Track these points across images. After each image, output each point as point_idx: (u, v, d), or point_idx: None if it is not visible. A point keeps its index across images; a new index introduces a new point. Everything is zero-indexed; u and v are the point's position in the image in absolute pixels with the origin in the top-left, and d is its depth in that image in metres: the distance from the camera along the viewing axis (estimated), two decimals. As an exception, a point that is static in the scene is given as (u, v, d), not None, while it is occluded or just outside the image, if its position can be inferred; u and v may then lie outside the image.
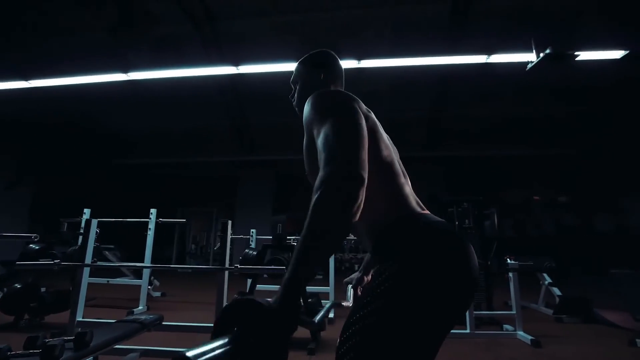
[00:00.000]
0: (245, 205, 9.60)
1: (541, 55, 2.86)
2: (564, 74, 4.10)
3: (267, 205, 9.56)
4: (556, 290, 3.75)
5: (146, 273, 3.92)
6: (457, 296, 0.67)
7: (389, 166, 0.83)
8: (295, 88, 1.06)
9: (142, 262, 3.92)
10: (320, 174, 0.63)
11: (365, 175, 0.64)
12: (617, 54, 3.26)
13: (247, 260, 2.88)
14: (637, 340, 2.77)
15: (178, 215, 9.62)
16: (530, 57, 3.07)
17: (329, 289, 3.87)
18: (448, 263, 0.67)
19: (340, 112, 0.75)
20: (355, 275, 1.16)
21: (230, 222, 2.26)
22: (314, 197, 0.60)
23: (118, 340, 1.64)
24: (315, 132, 0.75)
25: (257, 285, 3.03)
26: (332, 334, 2.95)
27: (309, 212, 0.58)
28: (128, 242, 5.44)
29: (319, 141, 0.70)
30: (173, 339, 2.49)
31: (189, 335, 2.58)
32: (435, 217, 0.78)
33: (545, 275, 3.98)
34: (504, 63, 3.50)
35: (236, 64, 3.84)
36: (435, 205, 3.74)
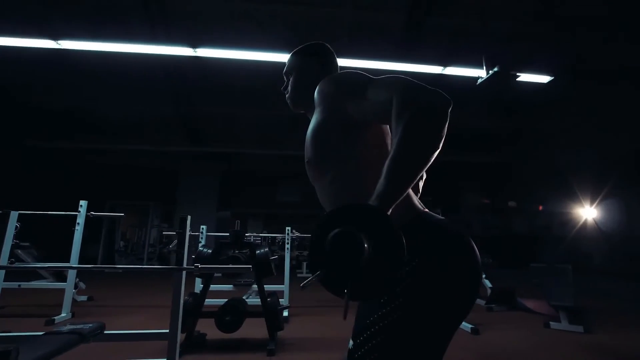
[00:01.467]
0: (187, 200, 8.97)
1: (490, 72, 3.19)
2: (502, 90, 4.63)
3: (212, 200, 9.06)
4: (487, 283, 4.22)
5: (72, 275, 3.40)
6: (471, 291, 0.70)
7: None
8: (288, 79, 1.02)
9: (66, 261, 3.39)
10: (399, 96, 0.62)
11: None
12: (544, 79, 3.80)
13: (202, 259, 2.67)
14: (550, 322, 3.24)
15: (106, 209, 8.57)
16: (480, 73, 3.41)
17: (284, 287, 3.81)
18: (464, 261, 0.70)
19: (370, 77, 0.76)
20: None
21: (189, 218, 2.06)
22: (406, 114, 0.59)
23: (53, 356, 1.37)
24: (352, 92, 0.75)
25: (211, 286, 2.83)
26: (290, 333, 2.90)
27: (402, 126, 0.58)
28: (45, 239, 4.68)
29: (374, 89, 0.71)
30: (110, 351, 2.19)
31: (133, 346, 2.30)
32: (437, 215, 0.80)
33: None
34: (455, 75, 3.80)
35: (192, 45, 3.52)
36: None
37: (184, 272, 1.99)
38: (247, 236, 2.98)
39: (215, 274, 3.46)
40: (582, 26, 4.85)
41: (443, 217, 0.78)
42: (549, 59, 4.21)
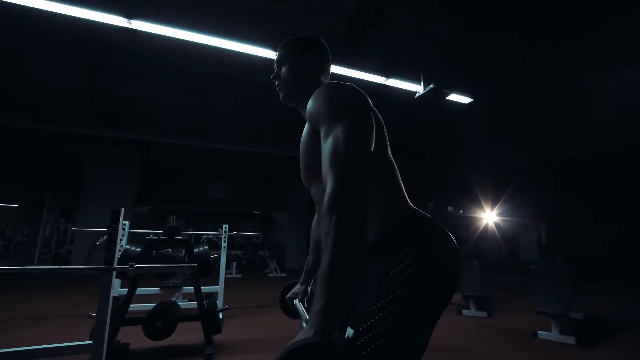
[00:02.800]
0: (97, 193, 7.77)
1: (427, 88, 3.55)
2: (433, 106, 5.18)
3: (129, 194, 8.02)
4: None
5: None
6: (456, 280, 0.78)
7: (393, 165, 0.88)
8: (280, 68, 0.98)
9: None
10: (333, 187, 0.63)
11: (362, 196, 0.64)
12: (466, 100, 4.40)
13: (129, 258, 2.35)
14: (462, 310, 3.73)
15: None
16: (418, 88, 3.76)
17: (219, 288, 3.59)
18: (453, 256, 0.78)
19: (353, 115, 0.72)
20: (297, 289, 1.12)
21: (122, 210, 1.80)
22: (333, 221, 0.59)
23: None
24: (323, 128, 0.73)
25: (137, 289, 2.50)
26: (228, 336, 2.74)
27: (331, 238, 0.58)
28: None
29: (328, 143, 0.69)
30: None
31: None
32: (425, 213, 0.86)
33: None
34: (397, 87, 4.10)
35: (127, 16, 3.07)
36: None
37: (114, 273, 1.72)
38: (183, 232, 2.72)
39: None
40: (497, 57, 5.75)
41: (429, 216, 0.84)
42: (469, 83, 4.92)
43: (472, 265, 4.25)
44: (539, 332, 2.84)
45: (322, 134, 0.73)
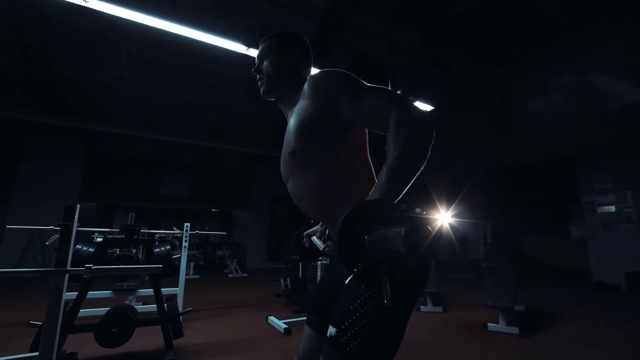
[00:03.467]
0: (33, 187, 6.94)
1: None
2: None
3: (71, 188, 7.27)
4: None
5: None
6: (429, 274, 0.86)
7: (371, 166, 0.92)
8: (262, 62, 0.99)
9: None
10: (397, 113, 0.70)
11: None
12: (428, 107, 4.67)
13: (80, 258, 2.14)
14: (420, 306, 3.94)
15: None
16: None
17: (178, 290, 3.40)
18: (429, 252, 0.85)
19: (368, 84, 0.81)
20: (316, 228, 1.15)
21: (78, 207, 1.64)
22: (405, 130, 0.67)
23: None
24: (349, 93, 0.78)
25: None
26: (189, 340, 2.62)
27: (401, 140, 0.66)
28: None
29: (370, 95, 0.76)
30: None
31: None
32: None
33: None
34: None
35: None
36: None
37: (67, 276, 1.56)
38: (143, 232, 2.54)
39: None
40: (453, 71, 6.16)
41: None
42: (430, 92, 5.24)
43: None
44: (488, 324, 3.10)
45: (348, 99, 0.78)
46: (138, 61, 5.54)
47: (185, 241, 3.45)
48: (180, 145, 7.67)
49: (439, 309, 3.83)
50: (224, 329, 3.05)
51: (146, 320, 2.34)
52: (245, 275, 7.33)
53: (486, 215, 8.50)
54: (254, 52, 3.66)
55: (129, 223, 2.46)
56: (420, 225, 0.47)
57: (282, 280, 4.91)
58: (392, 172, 0.64)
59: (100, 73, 5.68)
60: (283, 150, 0.93)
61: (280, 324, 3.07)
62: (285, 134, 0.91)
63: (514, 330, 2.93)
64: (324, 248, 0.98)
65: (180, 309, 2.84)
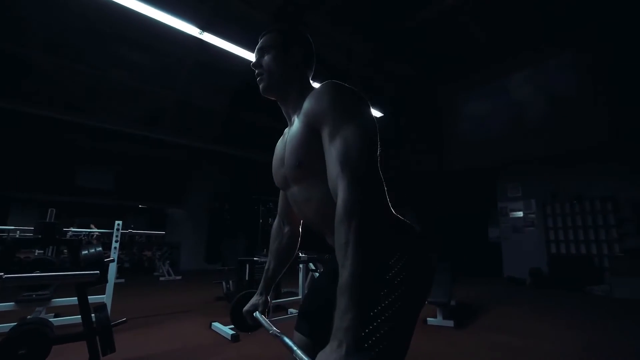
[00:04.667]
0: None
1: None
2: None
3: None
4: (317, 275, 4.82)
5: None
6: (433, 279, 0.86)
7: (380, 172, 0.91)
8: (262, 57, 0.92)
9: None
10: (346, 191, 0.63)
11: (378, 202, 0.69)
12: (378, 114, 4.87)
13: (-21, 264, 1.70)
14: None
15: None
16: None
17: (105, 297, 2.97)
18: (433, 257, 0.87)
19: (363, 119, 0.72)
20: (257, 300, 1.04)
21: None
22: (355, 229, 0.59)
23: None
24: (328, 128, 0.71)
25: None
26: (121, 355, 2.28)
27: (353, 238, 0.58)
28: None
29: (337, 145, 0.68)
30: None
31: None
32: (405, 219, 0.93)
33: (310, 264, 5.02)
34: None
35: None
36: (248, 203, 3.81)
37: (-35, 287, 1.23)
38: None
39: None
40: (400, 82, 6.56)
41: (408, 221, 0.90)
42: (380, 100, 5.50)
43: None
44: (428, 318, 3.34)
45: (326, 134, 0.71)
46: (54, 27, 4.70)
47: (116, 241, 3.03)
48: (107, 132, 6.76)
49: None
50: (162, 339, 2.75)
51: (67, 336, 1.97)
52: (179, 278, 6.76)
53: (419, 216, 9.25)
54: (208, 38, 3.38)
55: (47, 220, 2.04)
56: None
57: (224, 282, 4.64)
58: (354, 290, 0.56)
59: (6, 40, 4.69)
60: (285, 155, 0.87)
61: (226, 330, 2.88)
62: (289, 138, 0.86)
63: (450, 323, 3.21)
64: (273, 331, 0.89)
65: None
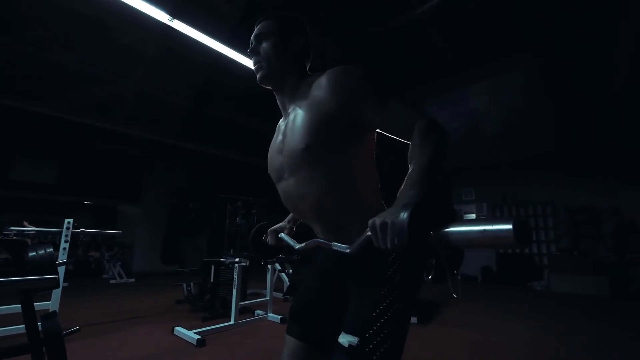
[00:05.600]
0: None
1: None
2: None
3: None
4: (284, 276, 4.76)
5: None
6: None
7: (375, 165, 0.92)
8: (260, 44, 0.90)
9: None
10: (424, 121, 0.73)
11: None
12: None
13: None
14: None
15: None
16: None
17: (50, 303, 2.67)
18: (423, 257, 0.87)
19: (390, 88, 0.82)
20: (282, 225, 1.11)
21: None
22: (435, 136, 0.70)
23: None
24: (374, 98, 0.77)
25: None
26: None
27: (429, 145, 0.69)
28: None
29: (395, 104, 0.77)
30: None
31: None
32: None
33: (277, 265, 4.95)
34: None
35: None
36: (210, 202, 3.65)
37: None
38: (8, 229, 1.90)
39: None
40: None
41: None
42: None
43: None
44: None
45: (374, 102, 0.77)
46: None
47: (66, 242, 2.75)
48: (51, 120, 6.08)
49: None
50: (121, 347, 2.53)
51: (8, 350, 1.74)
52: (133, 280, 6.29)
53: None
54: (179, 25, 3.18)
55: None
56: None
57: (184, 284, 4.40)
58: (427, 173, 0.65)
59: None
60: (284, 145, 0.86)
61: (190, 334, 2.74)
62: (289, 128, 0.85)
63: (414, 320, 3.35)
64: (300, 246, 0.92)
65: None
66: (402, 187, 0.66)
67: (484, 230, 0.50)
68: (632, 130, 5.59)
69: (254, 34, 0.90)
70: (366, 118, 0.78)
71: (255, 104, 6.15)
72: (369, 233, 0.62)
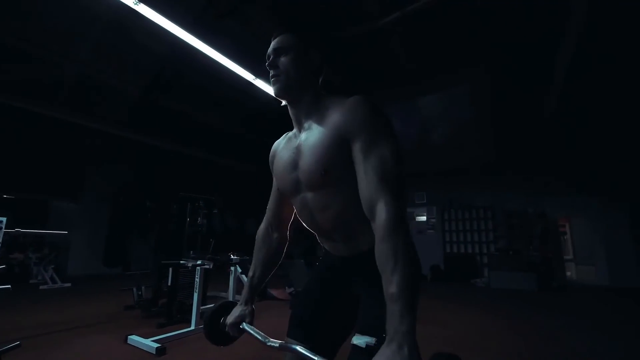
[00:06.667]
0: None
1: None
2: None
3: None
4: (244, 278, 4.63)
5: None
6: None
7: None
8: (279, 57, 0.89)
9: None
10: (389, 211, 0.66)
11: None
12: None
13: None
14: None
15: None
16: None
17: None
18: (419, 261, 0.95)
19: (394, 137, 0.77)
20: (243, 311, 0.96)
21: None
22: (402, 241, 0.64)
23: None
24: (361, 143, 0.74)
25: None
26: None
27: (401, 253, 0.63)
28: None
29: (373, 161, 0.72)
30: None
31: None
32: None
33: (237, 266, 4.80)
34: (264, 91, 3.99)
35: None
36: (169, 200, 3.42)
37: None
38: None
39: None
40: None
41: None
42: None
43: (299, 264, 4.78)
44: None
45: (359, 148, 0.74)
46: None
47: (-2, 243, 2.39)
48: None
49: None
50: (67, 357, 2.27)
51: None
52: (69, 285, 5.63)
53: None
54: (144, 10, 2.95)
55: None
56: None
57: (134, 289, 4.08)
58: (406, 299, 0.59)
59: None
60: (304, 161, 0.86)
61: (148, 342, 2.55)
62: (305, 145, 0.86)
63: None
64: (273, 344, 0.82)
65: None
66: (389, 317, 0.60)
67: None
68: (558, 145, 6.45)
69: (272, 47, 0.90)
70: (352, 152, 0.77)
71: (219, 99, 5.88)
72: None
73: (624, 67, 4.56)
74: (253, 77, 3.67)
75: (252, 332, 0.88)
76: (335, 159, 0.79)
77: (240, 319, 0.94)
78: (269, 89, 3.91)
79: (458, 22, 4.60)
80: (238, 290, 4.44)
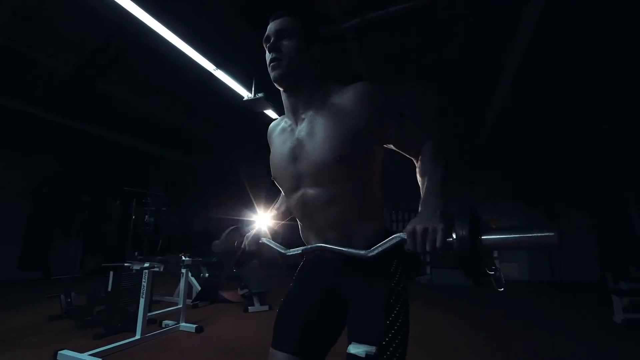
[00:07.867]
0: None
1: (257, 95, 3.65)
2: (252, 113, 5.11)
3: None
4: (195, 283, 4.35)
5: None
6: None
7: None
8: (280, 41, 0.83)
9: None
10: (434, 141, 0.84)
11: None
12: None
13: None
14: (248, 307, 3.97)
15: None
16: (243, 92, 3.80)
17: None
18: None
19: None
20: (260, 229, 1.07)
21: None
22: (443, 156, 0.82)
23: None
24: (395, 115, 0.84)
25: None
26: None
27: (441, 162, 0.80)
28: None
29: (411, 124, 0.86)
30: None
31: None
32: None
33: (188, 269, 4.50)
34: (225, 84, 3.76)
35: None
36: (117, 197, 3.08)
37: None
38: None
39: None
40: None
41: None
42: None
43: (253, 264, 4.64)
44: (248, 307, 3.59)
45: (394, 119, 0.83)
46: None
47: None
48: None
49: (266, 307, 4.02)
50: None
51: None
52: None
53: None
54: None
55: None
56: None
57: (62, 295, 3.60)
58: (443, 185, 0.76)
59: None
60: (305, 154, 0.83)
61: (84, 357, 2.27)
62: (309, 135, 0.83)
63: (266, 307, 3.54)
64: (293, 252, 0.88)
65: None
66: (425, 196, 0.74)
67: (529, 237, 0.60)
68: (491, 163, 7.25)
69: (275, 28, 0.83)
70: (386, 133, 0.83)
71: (165, 84, 5.38)
72: (400, 237, 0.69)
73: (542, 115, 5.32)
74: (214, 67, 3.45)
75: (271, 244, 0.97)
76: (350, 146, 0.78)
77: (259, 234, 1.03)
78: (231, 82, 3.71)
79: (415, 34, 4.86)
80: (188, 295, 4.19)
